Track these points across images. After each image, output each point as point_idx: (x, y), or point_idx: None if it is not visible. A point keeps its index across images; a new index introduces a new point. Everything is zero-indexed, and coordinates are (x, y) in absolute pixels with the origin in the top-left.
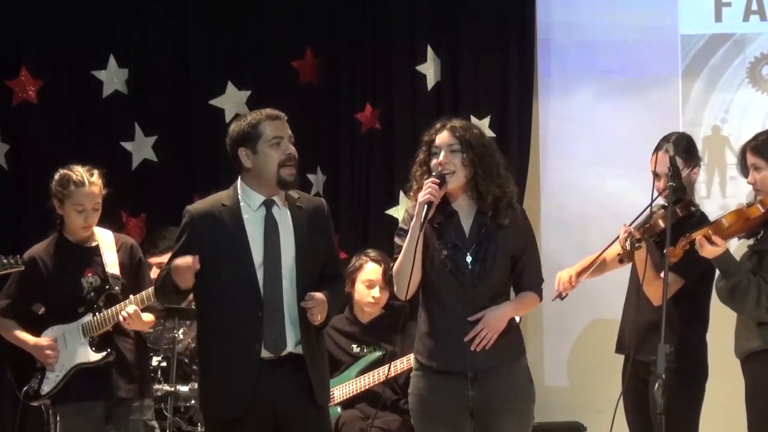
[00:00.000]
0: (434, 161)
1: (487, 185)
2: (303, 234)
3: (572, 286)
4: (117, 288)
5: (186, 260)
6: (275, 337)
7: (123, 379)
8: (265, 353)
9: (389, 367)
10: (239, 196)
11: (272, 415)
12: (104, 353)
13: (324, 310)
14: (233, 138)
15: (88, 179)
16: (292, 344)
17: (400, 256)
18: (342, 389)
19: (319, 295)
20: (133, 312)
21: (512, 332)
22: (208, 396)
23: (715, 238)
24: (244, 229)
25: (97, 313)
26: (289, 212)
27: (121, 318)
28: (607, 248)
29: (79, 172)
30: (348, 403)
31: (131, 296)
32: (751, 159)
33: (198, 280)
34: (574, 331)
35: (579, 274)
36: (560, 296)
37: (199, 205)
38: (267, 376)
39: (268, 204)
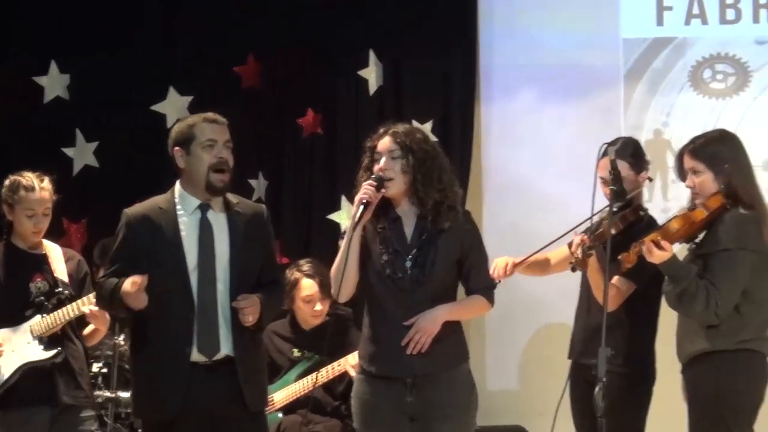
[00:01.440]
0: (376, 167)
1: (426, 191)
2: (239, 239)
3: (507, 275)
4: (66, 293)
5: (134, 282)
6: (208, 340)
7: (69, 385)
8: (198, 357)
9: (314, 374)
10: (176, 200)
11: (208, 418)
12: (54, 351)
13: (256, 312)
14: (172, 138)
15: (39, 184)
16: (226, 348)
17: (337, 258)
18: (281, 394)
19: (252, 295)
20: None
21: (453, 337)
22: (141, 399)
23: (664, 243)
24: (179, 232)
25: (45, 315)
26: (225, 217)
27: (87, 311)
28: (547, 246)
29: (29, 177)
30: (290, 408)
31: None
32: (689, 163)
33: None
34: (516, 335)
35: (516, 264)
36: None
37: (136, 208)
38: (200, 379)
39: (204, 208)
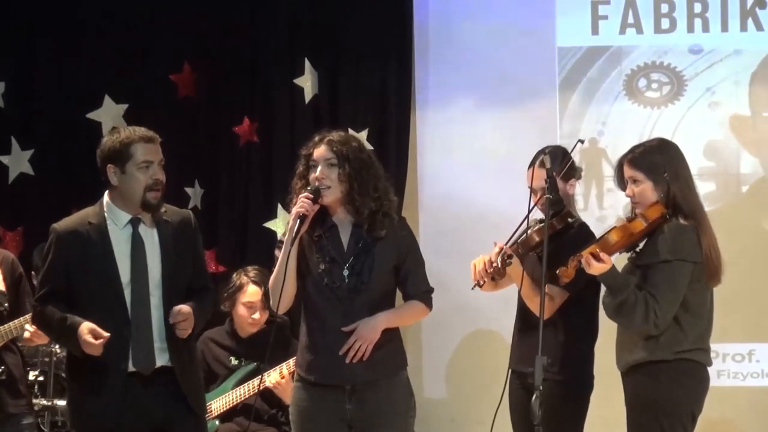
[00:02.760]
0: (312, 175)
1: (363, 200)
2: (169, 250)
3: (488, 273)
4: (5, 305)
5: (98, 340)
6: (143, 354)
7: (10, 395)
8: (133, 370)
9: (251, 382)
10: (105, 214)
11: (146, 428)
12: None
13: (191, 324)
14: (104, 152)
15: None
16: (162, 360)
17: (275, 270)
18: (219, 402)
19: (185, 308)
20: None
21: (391, 344)
22: (77, 413)
23: (602, 255)
24: (111, 247)
25: None
26: (156, 230)
27: (27, 334)
28: (515, 232)
29: None
30: (226, 416)
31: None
32: (628, 172)
33: (67, 298)
34: (453, 343)
35: (491, 260)
36: (478, 284)
37: (65, 223)
38: (137, 392)
39: (135, 222)
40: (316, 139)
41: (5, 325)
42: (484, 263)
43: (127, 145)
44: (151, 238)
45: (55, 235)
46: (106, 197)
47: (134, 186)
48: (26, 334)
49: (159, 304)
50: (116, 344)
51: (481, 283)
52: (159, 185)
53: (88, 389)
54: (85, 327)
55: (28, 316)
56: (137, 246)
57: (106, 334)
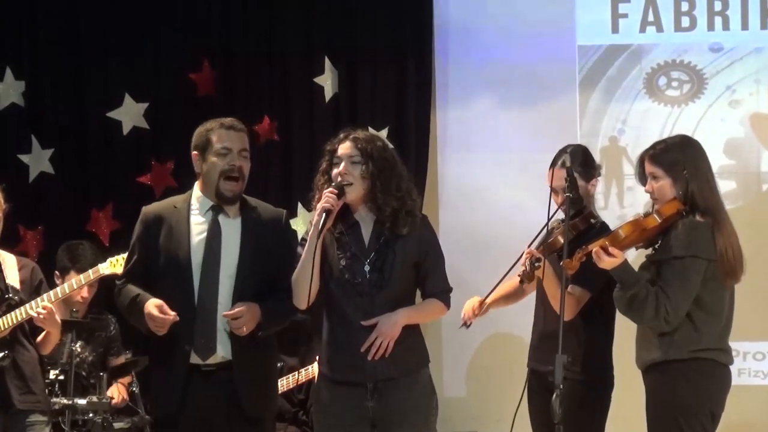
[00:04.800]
0: (335, 171)
1: (385, 198)
2: (249, 244)
3: (476, 315)
4: (17, 298)
5: (165, 317)
6: (204, 341)
7: (19, 389)
8: (195, 358)
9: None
10: (191, 200)
11: (205, 422)
12: (0, 354)
13: (250, 321)
14: (193, 141)
15: None
16: (224, 351)
17: (299, 265)
18: None
19: (247, 304)
20: (48, 309)
21: (412, 340)
22: (153, 394)
23: (612, 249)
24: (188, 231)
25: None
26: (240, 221)
27: (34, 314)
28: (508, 271)
29: None
30: None
31: (43, 295)
32: (649, 168)
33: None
34: (473, 342)
35: (482, 302)
36: (465, 325)
37: (152, 207)
38: (198, 381)
39: (216, 210)
40: (341, 135)
41: (9, 315)
42: (473, 306)
43: (209, 131)
44: (232, 228)
45: (142, 216)
46: (195, 185)
47: (211, 172)
48: (33, 313)
49: (229, 295)
50: (181, 327)
51: (468, 323)
52: (236, 172)
53: (157, 374)
54: (152, 303)
55: (33, 302)
56: (214, 233)
57: (172, 313)
